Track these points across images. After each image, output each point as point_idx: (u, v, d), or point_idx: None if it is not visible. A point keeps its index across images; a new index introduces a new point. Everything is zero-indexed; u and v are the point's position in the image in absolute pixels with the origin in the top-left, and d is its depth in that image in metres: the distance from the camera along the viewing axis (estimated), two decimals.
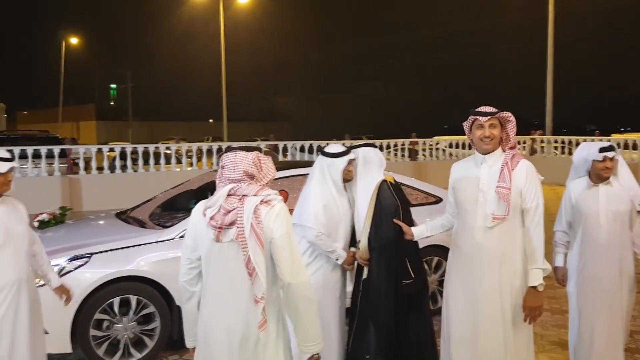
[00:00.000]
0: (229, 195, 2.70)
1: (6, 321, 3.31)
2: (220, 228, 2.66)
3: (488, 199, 3.39)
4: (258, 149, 2.84)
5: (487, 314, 3.43)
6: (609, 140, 18.21)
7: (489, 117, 3.37)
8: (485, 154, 3.45)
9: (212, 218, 2.68)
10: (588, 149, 4.07)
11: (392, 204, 3.97)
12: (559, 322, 5.68)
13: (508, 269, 3.39)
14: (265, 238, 2.66)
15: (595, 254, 4.02)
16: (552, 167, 18.44)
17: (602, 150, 3.96)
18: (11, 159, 3.36)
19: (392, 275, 3.93)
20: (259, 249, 2.63)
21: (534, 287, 3.34)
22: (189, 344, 2.96)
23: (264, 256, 2.65)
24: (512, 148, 3.46)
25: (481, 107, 3.43)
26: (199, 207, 2.79)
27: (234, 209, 2.66)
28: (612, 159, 3.97)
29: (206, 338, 2.78)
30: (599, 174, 3.99)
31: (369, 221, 3.93)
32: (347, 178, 4.06)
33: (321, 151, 4.11)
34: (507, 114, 3.41)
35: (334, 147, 4.09)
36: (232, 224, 2.65)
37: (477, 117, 3.40)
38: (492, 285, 3.41)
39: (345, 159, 3.99)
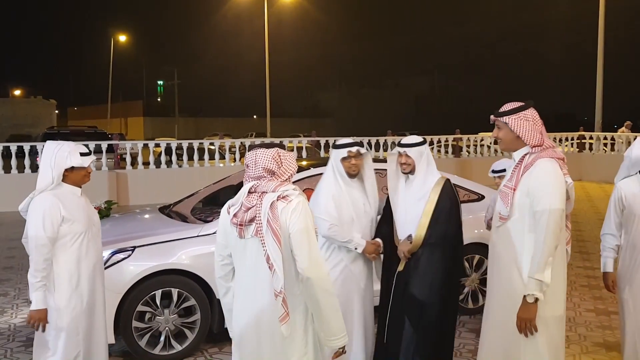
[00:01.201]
0: (249, 192, 2.80)
1: (89, 299, 3.59)
2: (241, 225, 2.77)
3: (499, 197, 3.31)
4: (279, 145, 2.89)
5: (495, 318, 3.34)
6: None
7: (493, 119, 3.31)
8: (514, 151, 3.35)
9: (234, 216, 2.80)
10: None
11: (457, 203, 3.96)
12: (603, 324, 5.53)
13: (515, 273, 3.18)
14: (283, 233, 2.71)
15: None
16: (601, 164, 17.99)
17: None
18: (90, 153, 3.66)
19: (440, 273, 3.86)
20: (275, 244, 2.69)
21: (525, 297, 3.09)
22: (231, 333, 3.04)
23: (282, 251, 2.69)
24: (537, 146, 3.19)
25: (503, 105, 3.33)
26: (225, 206, 2.89)
27: (253, 206, 2.75)
28: None
29: (239, 330, 2.89)
30: None
31: (427, 216, 3.85)
32: (350, 172, 4.02)
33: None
34: (501, 119, 3.24)
35: (342, 139, 4.13)
36: (251, 220, 2.74)
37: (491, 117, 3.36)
38: (501, 288, 3.28)
39: (344, 150, 3.97)
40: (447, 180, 3.99)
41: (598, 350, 4.92)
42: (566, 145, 19.93)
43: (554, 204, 3.05)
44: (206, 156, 14.81)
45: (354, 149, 3.98)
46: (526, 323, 3.09)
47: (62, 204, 3.47)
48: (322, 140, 16.61)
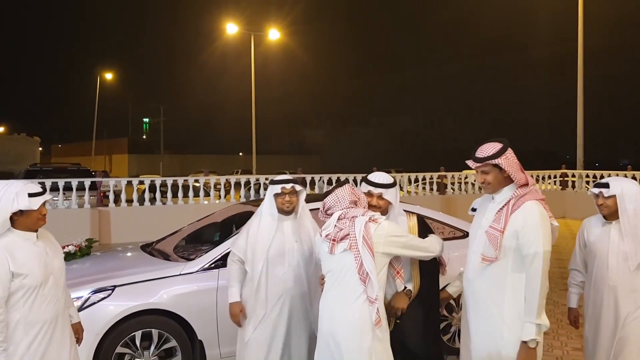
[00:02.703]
0: (339, 219, 3.33)
1: (37, 357, 3.18)
2: (334, 240, 3.28)
3: (484, 237, 3.23)
4: (346, 182, 3.52)
5: (467, 357, 3.30)
6: None
7: (475, 165, 3.24)
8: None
9: (327, 235, 3.34)
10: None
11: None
12: None
13: (494, 314, 3.15)
14: (376, 249, 3.20)
15: (604, 299, 3.73)
16: (584, 202, 18.10)
17: (595, 185, 3.80)
18: (42, 193, 3.23)
19: (434, 318, 3.75)
20: (370, 257, 3.17)
21: (526, 342, 3.05)
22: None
23: (375, 263, 3.17)
24: (523, 186, 3.18)
25: (478, 149, 3.25)
26: (319, 232, 3.47)
27: (345, 227, 3.27)
28: (607, 197, 3.68)
29: (324, 335, 3.30)
30: (600, 211, 3.80)
31: (417, 263, 3.62)
32: (284, 209, 4.01)
33: None
34: (490, 162, 3.17)
35: (279, 176, 4.14)
36: (343, 238, 3.25)
37: (469, 163, 3.29)
38: (479, 329, 3.23)
39: (278, 187, 3.99)
40: (417, 215, 3.85)
41: None
42: (549, 183, 20.08)
43: (545, 247, 3.07)
44: (191, 193, 14.71)
45: (289, 185, 3.99)
46: None
47: (11, 257, 3.06)
48: (308, 177, 16.60)
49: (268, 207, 4.06)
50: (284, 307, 3.98)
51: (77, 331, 3.61)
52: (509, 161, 3.17)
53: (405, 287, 3.61)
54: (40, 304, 3.17)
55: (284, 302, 3.98)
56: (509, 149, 3.20)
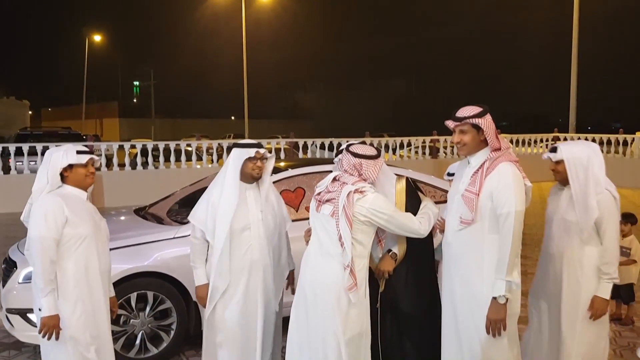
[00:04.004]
0: (334, 180, 3.38)
1: (96, 307, 3.42)
2: (319, 202, 3.41)
3: (461, 201, 3.27)
4: (365, 157, 3.36)
5: (448, 319, 3.38)
6: (633, 138, 17.89)
7: (454, 124, 3.26)
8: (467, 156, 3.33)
9: (318, 194, 3.45)
10: None
11: (420, 198, 3.72)
12: None
13: (474, 274, 3.22)
14: (356, 219, 3.23)
15: (542, 268, 3.72)
16: None
17: (549, 150, 3.65)
18: (89, 152, 3.51)
19: (428, 281, 3.68)
20: (347, 227, 3.22)
21: (495, 299, 3.13)
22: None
23: (351, 233, 3.22)
24: (496, 150, 3.21)
25: (459, 110, 3.27)
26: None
27: (333, 191, 3.33)
28: (557, 162, 3.57)
29: (305, 285, 3.40)
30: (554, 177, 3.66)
31: None
32: (254, 175, 3.78)
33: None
34: (470, 121, 3.20)
35: (244, 140, 3.93)
36: (328, 200, 3.33)
37: (448, 123, 3.30)
38: (460, 290, 3.29)
39: (252, 150, 3.72)
40: (406, 178, 3.73)
41: None
42: (541, 147, 20.16)
43: (518, 206, 3.10)
44: (183, 157, 14.69)
45: (262, 150, 3.76)
46: (497, 323, 3.14)
47: (66, 205, 3.31)
48: (301, 142, 16.59)
49: (232, 174, 3.74)
50: (252, 280, 3.80)
51: (114, 304, 3.71)
52: (488, 123, 3.21)
53: (390, 250, 3.59)
54: (93, 254, 3.41)
55: (252, 275, 3.79)
56: (489, 114, 3.23)
